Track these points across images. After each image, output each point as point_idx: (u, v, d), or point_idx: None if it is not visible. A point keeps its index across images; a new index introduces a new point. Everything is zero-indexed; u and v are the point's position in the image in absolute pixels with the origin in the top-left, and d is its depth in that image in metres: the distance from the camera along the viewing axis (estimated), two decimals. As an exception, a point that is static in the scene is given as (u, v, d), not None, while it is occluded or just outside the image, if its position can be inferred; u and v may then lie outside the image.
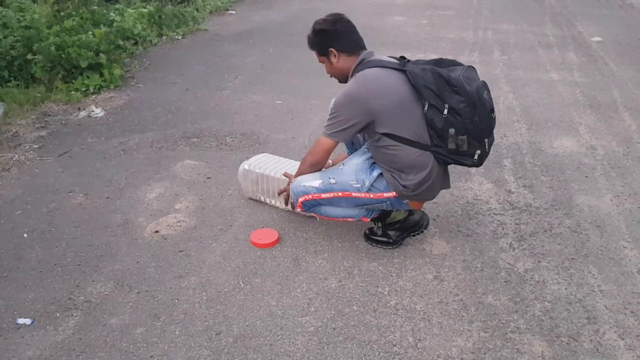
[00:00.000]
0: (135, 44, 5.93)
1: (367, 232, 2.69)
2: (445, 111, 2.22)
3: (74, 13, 5.48)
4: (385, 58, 2.40)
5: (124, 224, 2.84)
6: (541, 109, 4.34)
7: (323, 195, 2.43)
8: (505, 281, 2.42)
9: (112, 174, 3.33)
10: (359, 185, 2.39)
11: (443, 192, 3.08)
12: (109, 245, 2.67)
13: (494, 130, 2.38)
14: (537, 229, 2.81)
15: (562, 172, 3.38)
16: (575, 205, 3.03)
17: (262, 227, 2.80)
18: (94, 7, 5.94)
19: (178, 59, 5.67)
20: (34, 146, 3.69)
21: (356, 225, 2.81)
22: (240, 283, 2.39)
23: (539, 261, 2.56)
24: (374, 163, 2.43)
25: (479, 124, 2.24)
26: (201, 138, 3.83)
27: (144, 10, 6.64)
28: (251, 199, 3.04)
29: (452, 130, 2.24)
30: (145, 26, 6.30)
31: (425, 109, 2.25)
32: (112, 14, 6.03)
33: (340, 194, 2.41)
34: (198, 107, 4.40)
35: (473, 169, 3.37)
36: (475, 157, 2.30)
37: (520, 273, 2.48)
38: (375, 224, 2.67)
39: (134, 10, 6.57)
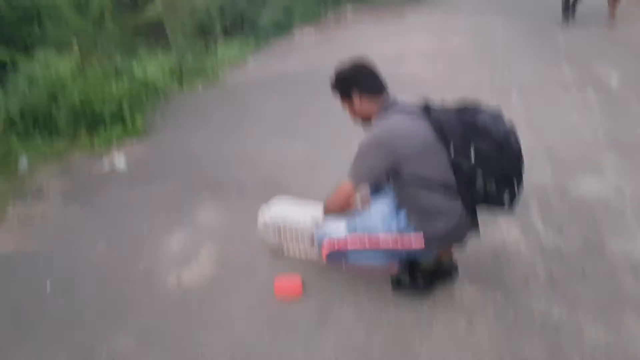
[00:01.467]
0: (157, 95, 6.02)
1: (394, 280, 2.61)
2: (472, 155, 2.17)
3: (97, 67, 5.60)
4: (408, 103, 2.38)
5: (147, 274, 2.80)
6: (564, 150, 4.26)
7: (349, 244, 2.37)
8: (540, 330, 2.32)
9: (135, 224, 3.31)
10: (385, 231, 2.32)
11: (471, 237, 3.01)
12: (131, 296, 2.62)
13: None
14: (570, 274, 2.71)
15: (591, 215, 3.28)
16: (608, 248, 2.93)
17: (286, 276, 2.74)
18: (117, 61, 6.07)
19: (198, 108, 5.73)
20: (58, 197, 3.70)
21: (383, 273, 2.73)
22: (265, 336, 2.32)
23: (574, 308, 2.45)
24: (400, 208, 2.37)
25: (507, 168, 2.18)
26: (222, 186, 3.82)
27: (166, 63, 6.78)
28: (273, 248, 2.98)
29: (479, 174, 2.18)
30: (166, 78, 6.42)
31: (452, 153, 2.21)
32: (134, 67, 6.15)
33: (366, 241, 2.35)
34: (218, 155, 4.41)
35: (499, 213, 3.28)
36: (505, 202, 2.24)
37: (555, 321, 2.37)
38: (402, 272, 2.60)
39: (155, 63, 6.71)
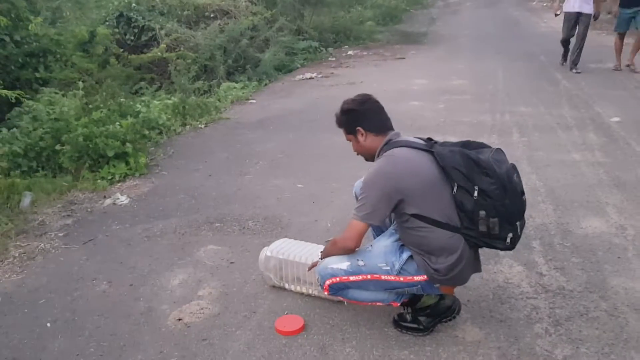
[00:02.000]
0: (160, 133, 6.11)
1: (396, 318, 2.62)
2: (475, 193, 2.21)
3: (102, 105, 5.70)
4: (412, 139, 2.43)
5: (147, 311, 2.81)
6: (566, 190, 4.31)
7: (351, 278, 2.39)
8: (544, 369, 2.31)
9: (136, 261, 3.33)
10: (388, 268, 2.35)
11: (473, 275, 3.02)
12: (132, 334, 2.62)
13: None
14: (572, 313, 2.71)
15: (593, 254, 3.30)
16: (610, 287, 2.94)
17: (287, 313, 2.75)
18: (121, 100, 6.17)
19: (201, 146, 5.80)
20: (60, 234, 3.73)
21: (384, 311, 2.74)
22: (266, 373, 2.31)
23: (577, 347, 2.45)
24: (402, 245, 2.40)
25: (510, 207, 2.22)
26: (224, 223, 3.85)
27: (169, 101, 6.89)
28: (275, 286, 2.99)
29: (482, 213, 2.22)
30: (169, 116, 6.52)
31: (454, 190, 2.25)
32: (138, 105, 6.26)
33: (369, 276, 2.36)
34: (220, 192, 4.45)
35: (501, 252, 3.31)
36: (508, 240, 2.26)
37: (559, 360, 2.37)
38: (404, 309, 2.60)
39: (159, 102, 6.82)
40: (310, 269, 2.68)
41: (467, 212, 2.24)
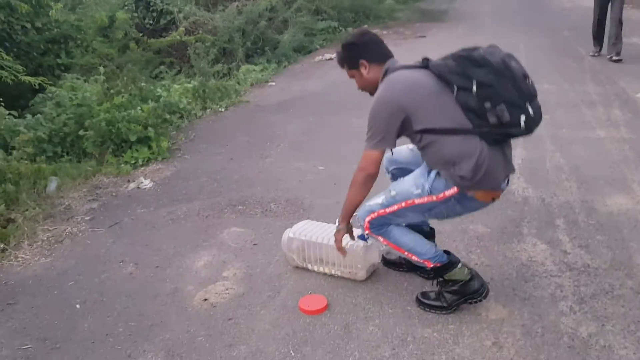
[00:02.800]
0: (181, 117, 6.15)
1: (419, 296, 2.64)
2: (474, 87, 2.20)
3: (123, 90, 5.76)
4: (408, 62, 2.46)
5: (174, 292, 2.87)
6: (590, 167, 4.26)
7: (388, 210, 2.41)
8: (568, 347, 2.32)
9: (161, 244, 3.39)
10: (419, 191, 2.35)
11: (496, 254, 3.03)
12: (159, 314, 2.69)
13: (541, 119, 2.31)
14: (597, 290, 2.71)
15: (618, 231, 3.27)
16: (636, 264, 2.92)
17: (311, 293, 2.78)
18: (142, 84, 6.22)
19: (222, 130, 5.84)
20: (86, 218, 3.81)
21: (407, 289, 2.76)
22: (291, 352, 2.36)
23: (602, 325, 2.45)
24: (428, 168, 2.40)
25: (513, 90, 2.20)
26: (246, 205, 3.89)
27: (189, 85, 6.93)
28: (298, 267, 3.03)
29: (487, 105, 2.20)
30: (190, 100, 6.56)
31: (455, 93, 2.25)
32: (158, 90, 6.31)
33: (403, 204, 2.38)
34: (242, 175, 4.49)
35: (525, 230, 3.30)
36: (522, 124, 2.23)
37: (583, 338, 2.37)
38: (432, 284, 2.62)
39: (179, 86, 6.86)
40: (339, 246, 2.68)
41: (473, 109, 2.23)
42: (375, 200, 2.48)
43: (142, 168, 4.73)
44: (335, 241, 2.67)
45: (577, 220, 3.42)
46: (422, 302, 2.62)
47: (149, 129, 4.94)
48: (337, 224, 2.65)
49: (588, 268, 2.90)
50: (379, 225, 2.50)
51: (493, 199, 2.42)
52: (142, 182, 4.37)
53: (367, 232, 2.52)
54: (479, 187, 2.32)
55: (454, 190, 2.32)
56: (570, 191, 3.85)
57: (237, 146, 5.26)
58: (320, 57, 9.41)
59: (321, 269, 2.94)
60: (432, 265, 2.52)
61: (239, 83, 7.86)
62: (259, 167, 4.66)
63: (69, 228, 3.65)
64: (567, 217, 3.48)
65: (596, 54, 7.94)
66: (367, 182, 2.45)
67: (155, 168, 4.73)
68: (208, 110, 6.59)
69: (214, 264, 3.12)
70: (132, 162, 4.78)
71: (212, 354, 2.37)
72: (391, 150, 2.49)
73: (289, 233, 2.99)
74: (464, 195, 2.34)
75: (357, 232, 2.88)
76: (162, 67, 8.32)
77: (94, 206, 4.00)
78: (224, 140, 5.45)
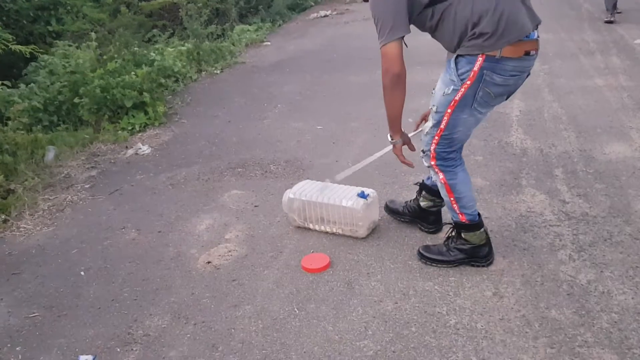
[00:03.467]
0: (176, 81, 6.09)
1: (421, 250, 2.66)
2: None
3: (116, 56, 5.68)
4: None
5: (177, 256, 2.89)
6: (589, 116, 4.23)
7: (442, 126, 2.35)
8: (568, 294, 2.34)
9: (162, 209, 3.40)
10: (452, 86, 2.27)
11: (495, 206, 3.04)
12: (163, 278, 2.71)
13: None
14: (596, 238, 2.72)
15: (617, 179, 3.27)
16: (634, 211, 2.92)
17: (313, 252, 2.80)
18: (135, 49, 6.13)
19: (218, 92, 5.79)
20: (86, 186, 3.80)
21: (408, 245, 2.78)
22: (295, 309, 2.39)
23: (601, 271, 2.47)
24: (447, 56, 2.34)
25: None
26: (246, 168, 3.89)
27: (183, 48, 6.83)
28: (299, 227, 3.04)
29: None
30: (184, 63, 6.47)
31: None
32: (152, 54, 6.22)
33: (449, 110, 2.31)
34: (241, 137, 4.47)
35: (524, 181, 3.30)
36: None
37: (583, 285, 2.39)
38: (447, 239, 2.62)
39: (172, 49, 6.76)
40: (403, 160, 2.57)
41: None
42: (428, 124, 2.43)
43: (140, 134, 4.70)
44: (397, 155, 2.55)
45: (575, 170, 3.42)
46: (424, 255, 2.63)
47: (145, 94, 4.89)
48: (390, 139, 2.53)
49: (587, 216, 2.91)
50: (447, 158, 2.44)
51: (527, 53, 2.21)
52: (140, 148, 4.36)
53: (433, 163, 2.47)
54: (505, 39, 2.15)
55: (480, 60, 2.18)
56: (568, 141, 3.83)
57: (235, 108, 5.22)
58: (316, 14, 9.26)
59: (322, 228, 2.95)
60: (463, 220, 2.52)
61: (233, 44, 7.75)
62: (257, 129, 4.63)
63: (70, 197, 3.65)
64: (566, 166, 3.47)
65: (611, 18, 7.22)
66: (396, 83, 2.28)
67: (152, 133, 4.70)
68: (203, 73, 6.52)
69: (215, 227, 3.13)
70: (129, 128, 4.75)
71: (218, 314, 2.40)
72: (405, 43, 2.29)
73: (289, 194, 2.99)
74: (493, 60, 2.18)
75: (356, 190, 2.89)
76: (154, 31, 8.18)
77: (93, 174, 3.99)
78: (220, 103, 5.41)
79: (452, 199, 2.50)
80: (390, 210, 3.03)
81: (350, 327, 2.26)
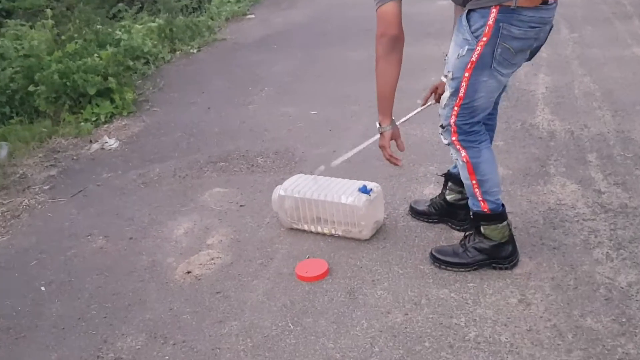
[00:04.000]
0: (147, 63, 6.08)
1: (433, 252, 2.66)
2: None
3: (76, 35, 5.67)
4: None
5: (152, 266, 2.88)
6: (626, 91, 4.23)
7: (461, 94, 2.35)
8: (605, 299, 2.34)
9: (134, 212, 3.40)
10: (467, 46, 2.28)
11: (519, 199, 3.04)
12: (137, 292, 2.71)
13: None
14: (637, 233, 2.72)
15: (660, 164, 3.27)
16: (681, 201, 2.93)
17: (308, 257, 2.80)
18: (98, 27, 6.12)
19: (195, 75, 5.78)
20: (45, 187, 3.80)
21: (418, 246, 2.78)
22: (290, 324, 2.39)
23: (644, 272, 2.48)
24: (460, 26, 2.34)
25: None
26: (229, 162, 3.88)
27: (153, 24, 6.81)
28: (292, 228, 3.04)
29: None
30: (155, 42, 6.46)
31: None
32: (117, 32, 6.20)
33: (467, 74, 2.31)
34: (223, 127, 4.46)
35: (552, 169, 3.30)
36: None
37: (622, 288, 2.39)
38: (464, 238, 2.62)
39: (141, 26, 6.75)
40: (388, 155, 2.58)
41: None
42: (445, 96, 2.42)
43: (106, 125, 4.69)
44: (382, 149, 2.57)
45: (611, 155, 3.42)
46: (438, 258, 2.63)
47: (110, 79, 4.88)
48: (377, 125, 2.54)
49: (626, 208, 2.91)
50: (470, 131, 2.43)
51: (545, 2, 2.24)
52: (106, 142, 4.35)
53: (454, 138, 2.46)
54: None
55: (494, 12, 2.19)
56: (603, 121, 3.83)
57: (215, 93, 5.20)
58: (306, -19, 9.23)
59: (319, 230, 2.95)
60: (485, 209, 2.51)
61: (212, 18, 7.73)
62: (242, 116, 4.62)
63: (26, 200, 3.64)
64: (601, 151, 3.47)
65: None
66: (392, 47, 2.33)
67: (120, 124, 4.69)
68: (178, 53, 6.50)
69: (195, 231, 3.13)
70: (93, 119, 4.74)
71: (200, 332, 2.40)
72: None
73: (279, 190, 2.99)
74: (508, 11, 2.19)
75: (357, 184, 2.88)
76: (120, 5, 8.14)
77: (53, 173, 3.98)
78: (198, 87, 5.40)
79: (474, 181, 2.49)
80: (416, 212, 3.03)
81: (354, 343, 2.25)
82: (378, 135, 2.61)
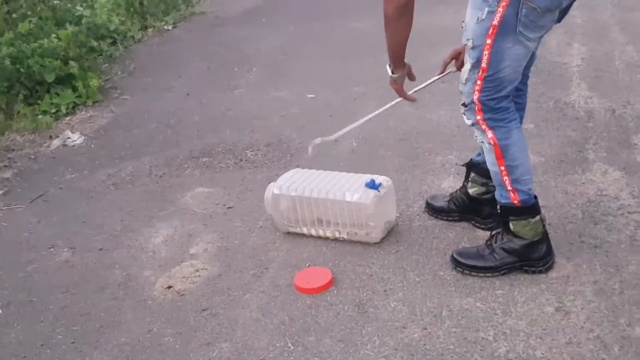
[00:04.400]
0: (114, 43, 6.07)
1: (455, 255, 2.67)
2: None
3: (29, 13, 5.67)
4: None
5: (126, 281, 2.89)
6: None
7: (483, 65, 2.37)
8: (657, 304, 2.36)
9: (103, 218, 3.40)
10: (486, 9, 2.30)
11: (554, 190, 3.04)
12: (109, 312, 2.71)
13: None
14: (693, 227, 2.74)
15: None
16: None
17: (309, 266, 2.81)
18: (55, 2, 6.12)
19: (171, 56, 5.78)
20: (-2, 193, 3.81)
21: (437, 249, 2.79)
22: (289, 345, 2.39)
23: (702, 271, 2.49)
24: None
25: None
26: (213, 156, 3.89)
27: (120, -3, 6.81)
28: (290, 232, 3.04)
29: None
30: (123, 18, 6.45)
31: None
32: (78, 7, 6.20)
33: (489, 40, 2.32)
34: (204, 116, 4.46)
35: (591, 154, 3.31)
36: None
37: (677, 291, 2.41)
38: (491, 238, 2.64)
39: (106, 0, 6.74)
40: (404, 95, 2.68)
41: None
42: (465, 69, 2.44)
43: (67, 118, 4.70)
44: (397, 92, 2.66)
45: (661, 135, 3.42)
46: (460, 262, 2.64)
47: (71, 63, 4.88)
48: (389, 73, 2.62)
49: (679, 198, 2.92)
50: (497, 108, 2.44)
51: None
52: (69, 138, 4.35)
53: (479, 117, 2.47)
54: None
55: None
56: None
57: (195, 77, 5.21)
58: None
59: (321, 233, 2.96)
60: (514, 201, 2.51)
61: (189, -12, 7.72)
62: (227, 103, 4.62)
63: (-23, 208, 3.66)
64: (649, 132, 3.48)
65: None
66: (402, 13, 2.37)
67: (85, 117, 4.70)
68: (150, 30, 6.50)
69: (176, 239, 3.14)
70: (53, 111, 4.74)
71: (185, 357, 2.41)
72: None
73: (273, 189, 2.99)
74: None
75: (364, 179, 2.88)
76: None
77: (7, 175, 3.99)
78: (175, 70, 5.40)
79: (502, 168, 2.49)
80: (434, 209, 3.04)
81: (365, 364, 2.26)
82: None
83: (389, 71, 2.61)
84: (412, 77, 2.68)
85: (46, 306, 2.81)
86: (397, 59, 2.55)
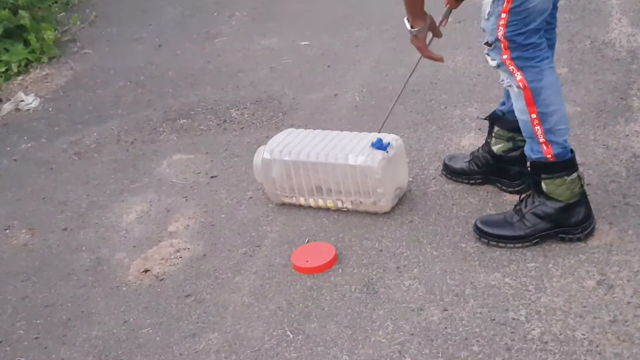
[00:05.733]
0: (72, -12, 6.03)
1: (478, 223, 2.67)
2: None
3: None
4: None
5: (96, 265, 2.89)
6: None
7: (506, 15, 2.37)
8: None
9: (66, 193, 3.40)
10: None
11: (592, 145, 3.04)
12: (77, 301, 2.72)
13: None
14: None
15: None
16: None
17: (309, 241, 2.81)
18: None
19: (139, 0, 5.73)
20: (-58, 166, 3.81)
21: (457, 217, 2.79)
22: (288, 333, 2.40)
23: None
24: None
25: None
26: (192, 117, 3.87)
27: None
28: (284, 203, 3.04)
29: None
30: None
31: None
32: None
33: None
34: (180, 70, 4.44)
35: (635, 101, 3.29)
36: None
37: None
38: (520, 202, 2.64)
39: None
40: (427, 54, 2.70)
41: None
42: (487, 2, 2.43)
43: (20, 78, 4.69)
44: (420, 50, 2.68)
45: None
46: (485, 232, 2.64)
47: (21, 12, 4.85)
48: (409, 28, 2.62)
49: None
50: (526, 45, 2.43)
51: None
52: (22, 100, 4.34)
53: (505, 57, 2.46)
54: None
55: None
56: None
57: (167, 24, 5.17)
58: None
59: (320, 203, 2.96)
60: (548, 155, 2.49)
61: None
62: (206, 54, 4.60)
63: None
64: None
65: None
66: None
67: (40, 75, 4.68)
68: (113, -28, 6.44)
69: (152, 216, 3.14)
70: (2, 69, 4.72)
71: (168, 350, 2.41)
72: None
73: (264, 153, 2.98)
74: None
75: (370, 138, 2.87)
76: None
77: (-47, 146, 3.99)
78: (144, 17, 5.36)
79: (533, 115, 2.48)
80: (452, 171, 3.03)
81: (377, 353, 2.27)
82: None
83: (408, 25, 2.59)
84: (437, 33, 2.67)
85: (3, 297, 2.81)
86: (416, 9, 2.53)
